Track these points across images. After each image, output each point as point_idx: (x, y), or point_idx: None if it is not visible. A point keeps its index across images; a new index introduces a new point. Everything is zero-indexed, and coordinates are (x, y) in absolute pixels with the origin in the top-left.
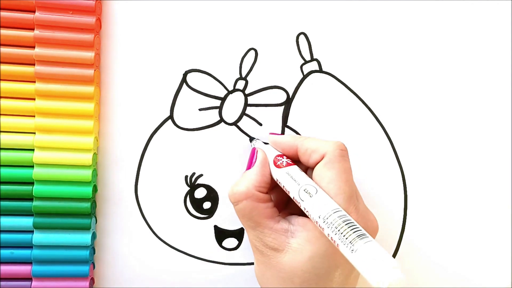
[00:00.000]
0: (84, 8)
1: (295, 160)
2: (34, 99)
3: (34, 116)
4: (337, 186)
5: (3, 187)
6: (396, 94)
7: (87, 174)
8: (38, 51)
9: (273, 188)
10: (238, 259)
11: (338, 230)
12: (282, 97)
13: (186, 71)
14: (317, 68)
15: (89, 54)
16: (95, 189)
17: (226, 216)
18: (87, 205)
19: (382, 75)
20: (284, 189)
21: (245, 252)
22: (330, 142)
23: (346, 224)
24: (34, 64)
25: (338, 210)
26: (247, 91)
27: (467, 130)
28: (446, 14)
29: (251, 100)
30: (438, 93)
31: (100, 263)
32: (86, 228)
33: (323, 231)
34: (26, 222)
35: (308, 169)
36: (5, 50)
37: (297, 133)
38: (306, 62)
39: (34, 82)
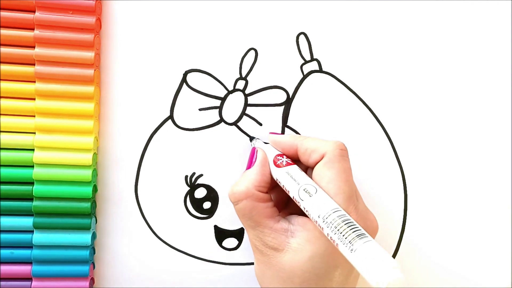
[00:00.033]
0: (84, 8)
1: (295, 160)
2: (34, 99)
3: (34, 116)
4: (336, 185)
5: (3, 187)
6: (396, 94)
7: (87, 174)
8: (38, 51)
9: (273, 188)
10: (238, 259)
11: (338, 230)
12: (282, 97)
13: (186, 71)
14: (317, 68)
15: (89, 54)
16: (95, 189)
17: (226, 216)
18: (87, 205)
19: (382, 75)
20: (284, 189)
21: (245, 252)
22: (330, 141)
23: (345, 224)
24: (34, 64)
25: (337, 210)
26: (247, 91)
27: (467, 130)
28: (446, 14)
29: (251, 100)
30: (438, 93)
31: (100, 263)
32: (86, 228)
33: (323, 231)
34: (26, 222)
35: (308, 169)
36: (5, 50)
37: (297, 133)
38: (306, 62)
39: (34, 82)
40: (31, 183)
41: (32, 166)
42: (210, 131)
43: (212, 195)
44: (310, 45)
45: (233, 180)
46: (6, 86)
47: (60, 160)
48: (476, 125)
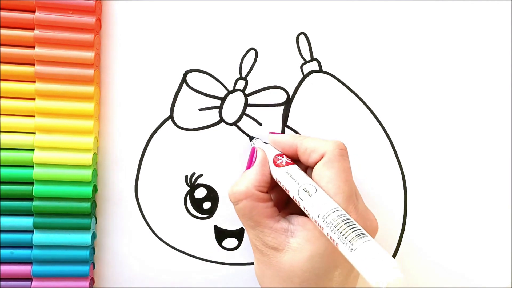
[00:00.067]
0: (84, 8)
1: (295, 160)
2: (34, 99)
3: (34, 116)
4: (336, 185)
5: (3, 187)
6: (396, 94)
7: (87, 174)
8: (38, 51)
9: (273, 188)
10: (238, 259)
11: (337, 230)
12: (282, 97)
13: (186, 71)
14: (317, 68)
15: (89, 54)
16: (95, 189)
17: (226, 216)
18: (87, 205)
19: (382, 75)
20: (284, 189)
21: (245, 252)
22: (330, 141)
23: (345, 224)
24: (34, 64)
25: (337, 210)
26: (247, 91)
27: (467, 130)
28: (446, 14)
29: (251, 100)
30: (438, 93)
31: (100, 263)
32: (86, 228)
33: (323, 231)
34: (26, 222)
35: (307, 169)
36: (5, 50)
37: (297, 133)
38: (306, 62)
39: (34, 82)
40: (31, 183)
41: (32, 166)
42: (210, 131)
43: (212, 195)
44: (310, 45)
45: (233, 180)
46: (6, 86)
47: (60, 160)
48: (476, 125)
